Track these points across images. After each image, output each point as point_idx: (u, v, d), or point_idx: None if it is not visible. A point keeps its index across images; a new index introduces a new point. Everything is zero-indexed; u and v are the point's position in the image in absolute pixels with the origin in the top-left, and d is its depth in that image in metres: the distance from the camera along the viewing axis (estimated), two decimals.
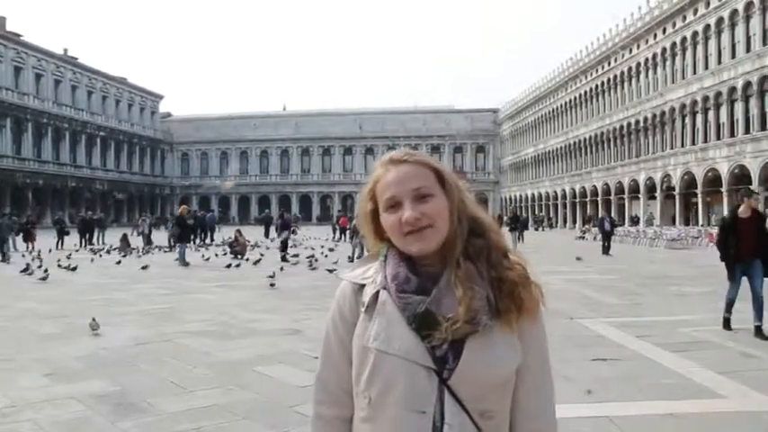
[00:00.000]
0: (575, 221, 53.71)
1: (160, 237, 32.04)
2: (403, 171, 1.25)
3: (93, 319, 7.85)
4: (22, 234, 25.94)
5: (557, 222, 59.07)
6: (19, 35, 55.48)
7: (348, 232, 22.21)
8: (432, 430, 1.17)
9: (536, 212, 62.20)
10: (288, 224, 22.33)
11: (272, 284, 12.43)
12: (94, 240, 29.80)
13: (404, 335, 1.18)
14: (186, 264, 17.88)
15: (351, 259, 18.56)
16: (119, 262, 18.93)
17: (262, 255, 20.32)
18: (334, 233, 35.99)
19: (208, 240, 32.04)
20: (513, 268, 1.24)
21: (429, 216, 1.21)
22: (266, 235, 35.58)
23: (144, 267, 16.62)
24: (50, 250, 23.69)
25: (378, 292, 1.24)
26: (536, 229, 52.29)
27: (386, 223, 1.25)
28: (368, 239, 1.33)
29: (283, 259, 18.69)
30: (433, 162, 1.28)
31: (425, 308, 1.18)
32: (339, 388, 1.30)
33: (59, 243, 26.82)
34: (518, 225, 26.93)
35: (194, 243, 27.62)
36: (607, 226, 23.17)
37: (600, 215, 27.29)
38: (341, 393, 1.30)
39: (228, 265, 17.26)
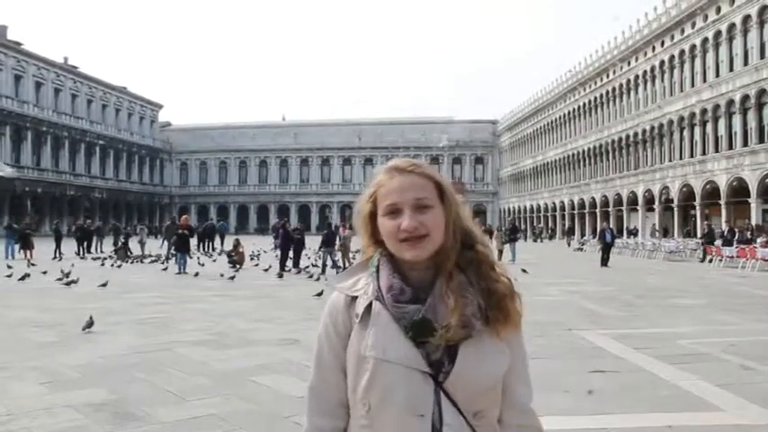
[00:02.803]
0: (574, 233, 53.75)
1: (155, 246, 32.07)
2: (407, 180, 1.30)
3: (90, 317, 8.00)
4: (21, 242, 25.89)
5: (555, 234, 59.10)
6: (19, 44, 55.75)
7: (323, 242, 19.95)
8: None
9: (534, 224, 62.26)
10: (287, 235, 20.03)
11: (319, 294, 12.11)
12: (92, 249, 29.86)
13: (400, 342, 1.23)
14: (184, 273, 17.87)
15: (335, 268, 18.18)
16: (165, 268, 19.48)
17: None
18: None
19: (217, 246, 33.15)
20: (500, 281, 1.31)
21: (426, 226, 1.27)
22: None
23: (196, 274, 17.37)
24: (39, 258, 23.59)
25: (371, 303, 1.28)
26: (534, 241, 52.31)
27: (383, 227, 1.30)
28: (363, 239, 1.39)
29: (281, 269, 18.57)
30: (435, 175, 1.34)
31: (422, 315, 1.24)
32: (334, 399, 1.33)
33: (57, 251, 26.77)
34: (517, 237, 26.88)
35: (200, 251, 28.30)
36: (608, 237, 23.17)
37: (601, 227, 27.24)
38: (336, 404, 1.33)
39: (280, 275, 17.02)
